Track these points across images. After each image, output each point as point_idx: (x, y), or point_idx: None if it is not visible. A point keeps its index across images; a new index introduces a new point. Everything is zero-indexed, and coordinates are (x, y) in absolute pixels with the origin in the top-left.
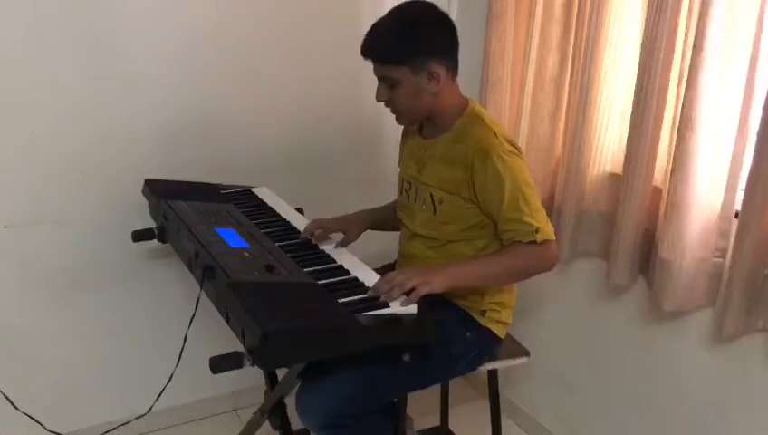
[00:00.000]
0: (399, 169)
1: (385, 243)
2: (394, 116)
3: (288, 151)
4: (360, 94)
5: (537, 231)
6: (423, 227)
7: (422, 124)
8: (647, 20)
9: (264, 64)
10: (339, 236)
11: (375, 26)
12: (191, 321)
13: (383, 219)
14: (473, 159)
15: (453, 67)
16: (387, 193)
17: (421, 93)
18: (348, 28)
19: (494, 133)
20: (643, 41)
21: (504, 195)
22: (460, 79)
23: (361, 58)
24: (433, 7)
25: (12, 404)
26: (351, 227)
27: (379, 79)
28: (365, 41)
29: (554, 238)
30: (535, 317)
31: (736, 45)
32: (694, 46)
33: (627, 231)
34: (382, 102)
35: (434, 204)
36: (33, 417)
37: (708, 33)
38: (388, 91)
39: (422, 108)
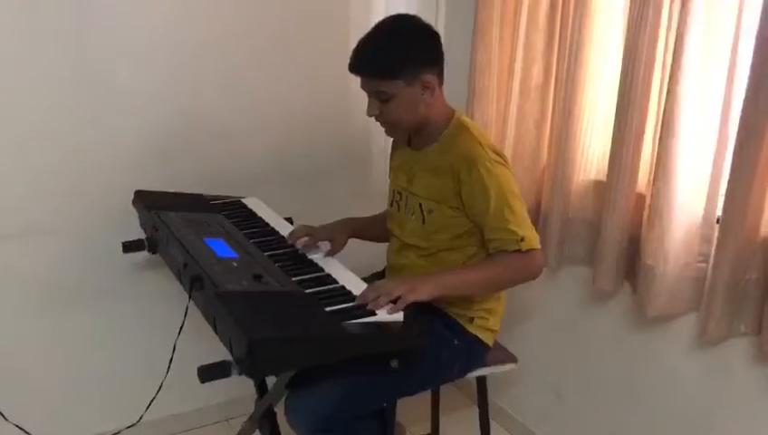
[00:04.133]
0: (389, 180)
1: (373, 252)
2: (383, 128)
3: (278, 161)
4: (350, 105)
5: (522, 240)
6: (413, 237)
7: (410, 136)
8: (628, 30)
9: (253, 75)
10: (326, 245)
11: (363, 42)
12: (180, 331)
13: (368, 229)
14: (459, 169)
15: (441, 76)
16: (376, 203)
17: (416, 104)
18: (336, 38)
19: (480, 143)
20: (625, 50)
21: (490, 204)
22: (447, 89)
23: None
24: (418, 19)
25: (2, 416)
26: (337, 236)
27: (370, 94)
28: (355, 58)
29: (539, 247)
30: (523, 323)
31: (715, 55)
32: (674, 56)
33: (611, 237)
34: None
35: (423, 214)
36: (24, 428)
37: (687, 43)
38: (381, 105)
39: (416, 119)
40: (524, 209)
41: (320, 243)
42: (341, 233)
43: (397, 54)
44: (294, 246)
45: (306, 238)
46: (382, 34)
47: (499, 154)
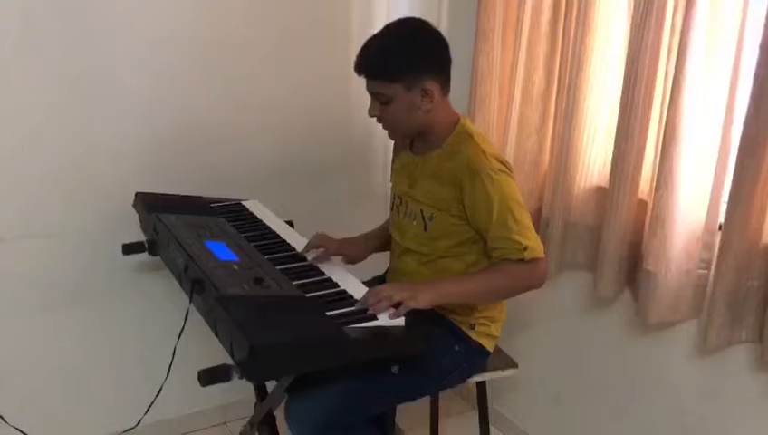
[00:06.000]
0: (390, 184)
1: (373, 255)
2: (385, 130)
3: (278, 164)
4: (351, 108)
5: (525, 249)
6: (414, 243)
7: (413, 140)
8: (631, 37)
9: (255, 78)
10: (337, 259)
11: (369, 42)
12: (180, 334)
13: (384, 242)
14: (462, 177)
15: (446, 84)
16: (376, 205)
17: (414, 110)
18: (338, 41)
19: (484, 151)
20: (627, 57)
21: (493, 213)
22: (449, 94)
23: (351, 70)
24: (427, 24)
25: (1, 418)
26: (354, 254)
27: (371, 95)
28: (359, 57)
29: (543, 256)
30: (523, 328)
31: (718, 62)
32: (676, 63)
33: (613, 243)
34: (373, 117)
35: (424, 220)
36: (23, 431)
37: (690, 50)
38: (381, 107)
39: (414, 124)
40: (529, 218)
41: (332, 257)
42: (358, 253)
43: (397, 58)
44: (305, 257)
45: (319, 251)
46: (388, 36)
47: (503, 162)
